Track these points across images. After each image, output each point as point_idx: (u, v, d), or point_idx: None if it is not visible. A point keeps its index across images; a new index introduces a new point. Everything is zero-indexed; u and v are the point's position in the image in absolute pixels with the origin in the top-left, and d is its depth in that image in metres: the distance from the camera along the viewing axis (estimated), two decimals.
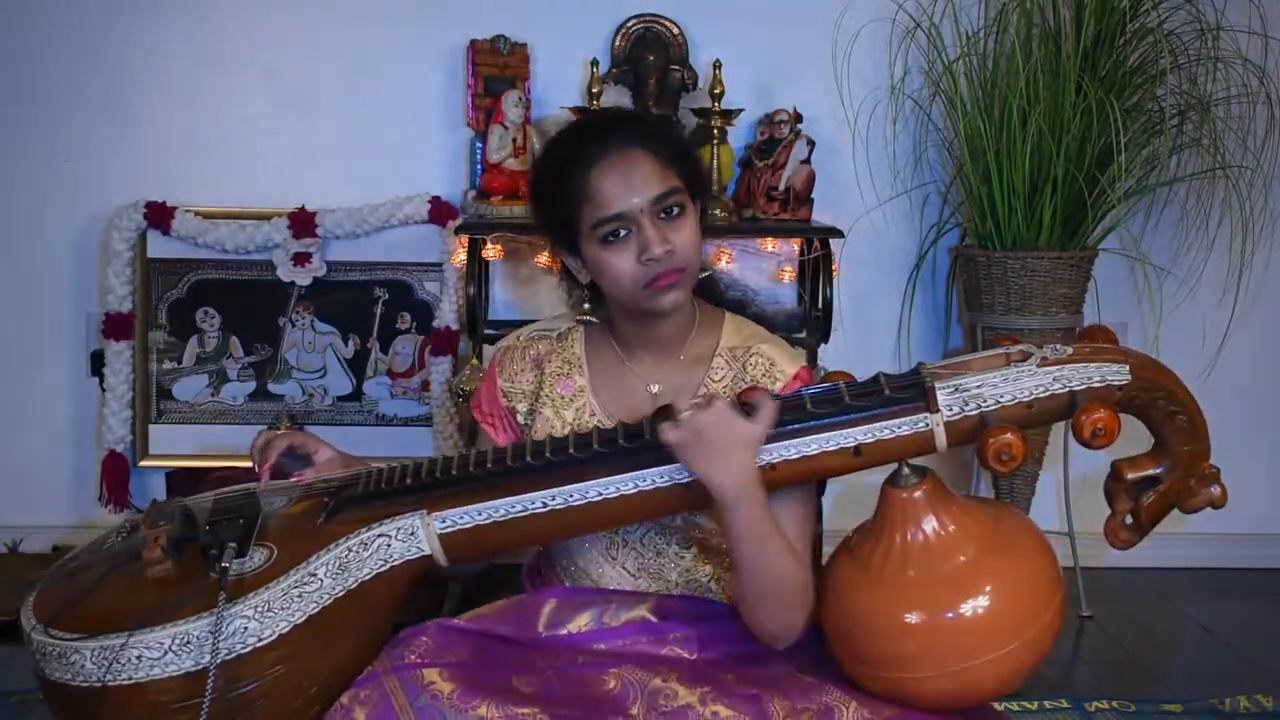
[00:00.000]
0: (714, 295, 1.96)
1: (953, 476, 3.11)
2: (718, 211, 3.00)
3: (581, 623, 1.76)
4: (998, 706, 1.76)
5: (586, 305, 1.90)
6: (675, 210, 1.75)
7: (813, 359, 3.06)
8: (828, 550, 1.88)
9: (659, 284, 1.75)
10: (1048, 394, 1.60)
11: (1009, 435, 1.56)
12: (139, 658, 1.55)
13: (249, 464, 1.91)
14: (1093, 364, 1.61)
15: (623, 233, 1.74)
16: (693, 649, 1.75)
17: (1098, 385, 1.60)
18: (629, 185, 1.73)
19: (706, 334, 1.88)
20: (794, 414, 1.64)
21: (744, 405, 1.64)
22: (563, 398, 1.88)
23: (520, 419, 1.92)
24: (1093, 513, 2.87)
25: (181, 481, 3.12)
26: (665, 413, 1.64)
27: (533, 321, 2.01)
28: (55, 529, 3.31)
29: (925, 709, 1.63)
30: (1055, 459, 3.18)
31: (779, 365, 1.83)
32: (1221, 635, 3.07)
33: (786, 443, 1.64)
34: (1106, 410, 1.56)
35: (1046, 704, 2.59)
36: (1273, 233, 3.36)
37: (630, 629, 1.75)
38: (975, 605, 1.61)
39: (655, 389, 1.85)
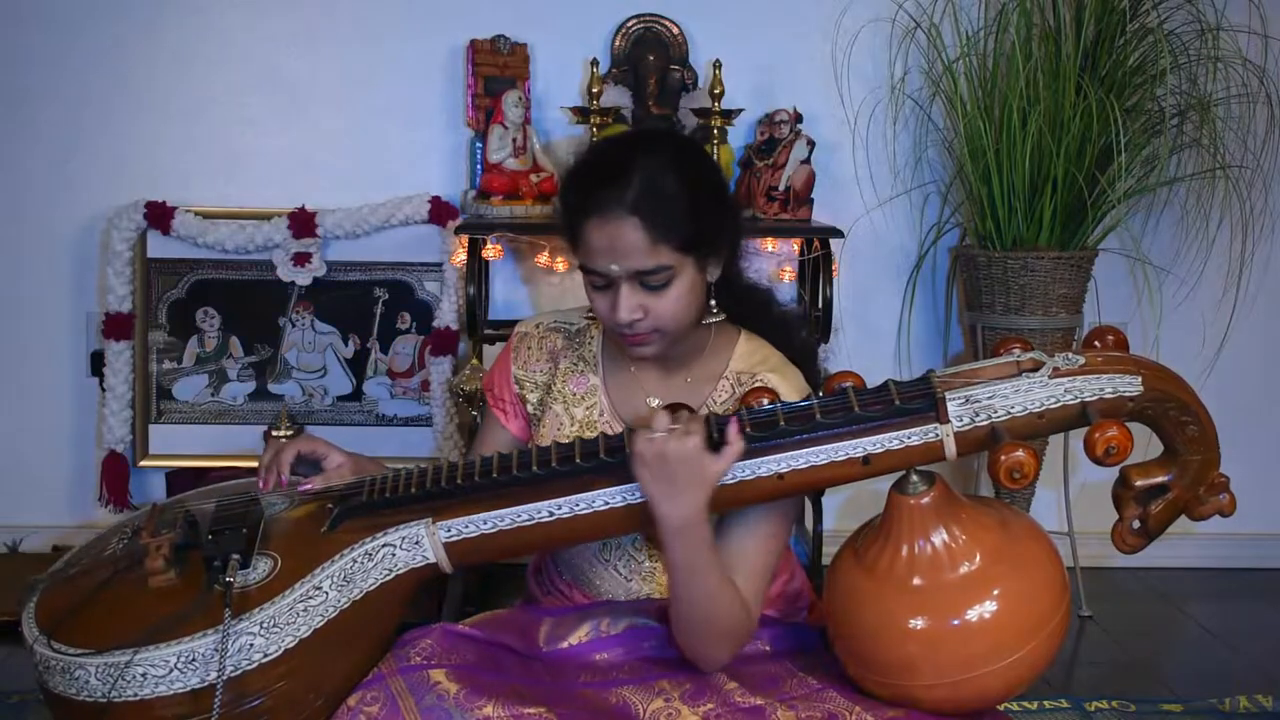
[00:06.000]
0: (748, 300, 1.92)
1: (953, 474, 3.11)
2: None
3: (582, 634, 1.75)
4: (998, 706, 1.76)
5: None
6: (658, 283, 1.71)
7: (813, 359, 3.06)
8: (829, 551, 1.88)
9: (627, 339, 1.75)
10: (1059, 405, 1.59)
11: (1021, 453, 1.53)
12: (144, 675, 1.54)
13: (250, 464, 1.90)
14: (1105, 375, 1.59)
15: (602, 284, 1.72)
16: None
17: (1110, 396, 1.59)
18: (612, 252, 1.69)
19: (718, 354, 1.86)
20: (803, 424, 1.62)
21: (718, 432, 1.60)
22: (574, 395, 1.87)
23: (530, 409, 1.91)
24: (1093, 512, 2.87)
25: (181, 481, 3.12)
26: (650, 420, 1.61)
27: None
28: (55, 529, 3.31)
29: (929, 713, 1.63)
30: (1055, 459, 3.18)
31: (782, 396, 1.76)
32: (1221, 635, 3.07)
33: (795, 452, 1.61)
34: (1119, 429, 1.54)
35: (1046, 704, 2.60)
36: (1273, 233, 3.37)
37: (632, 635, 1.75)
38: (981, 613, 1.60)
39: (654, 403, 1.82)
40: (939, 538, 1.63)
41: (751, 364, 1.85)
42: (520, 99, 3.10)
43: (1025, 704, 2.57)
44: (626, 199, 1.68)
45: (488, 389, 1.96)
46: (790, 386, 1.81)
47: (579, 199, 1.72)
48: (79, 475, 3.35)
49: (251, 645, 1.56)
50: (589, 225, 1.70)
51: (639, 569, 1.83)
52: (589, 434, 1.82)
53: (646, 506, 1.63)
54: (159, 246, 3.25)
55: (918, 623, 1.61)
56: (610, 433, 1.78)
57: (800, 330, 1.97)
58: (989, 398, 1.60)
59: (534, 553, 1.93)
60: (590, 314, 1.89)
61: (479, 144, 3.19)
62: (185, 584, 1.63)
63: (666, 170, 1.72)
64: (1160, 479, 1.64)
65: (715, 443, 1.60)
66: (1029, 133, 3.03)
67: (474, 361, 3.05)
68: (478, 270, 3.08)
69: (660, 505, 1.60)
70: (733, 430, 1.60)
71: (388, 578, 1.65)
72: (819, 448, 1.62)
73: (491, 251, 3.07)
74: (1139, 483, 1.64)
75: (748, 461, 1.62)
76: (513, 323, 3.20)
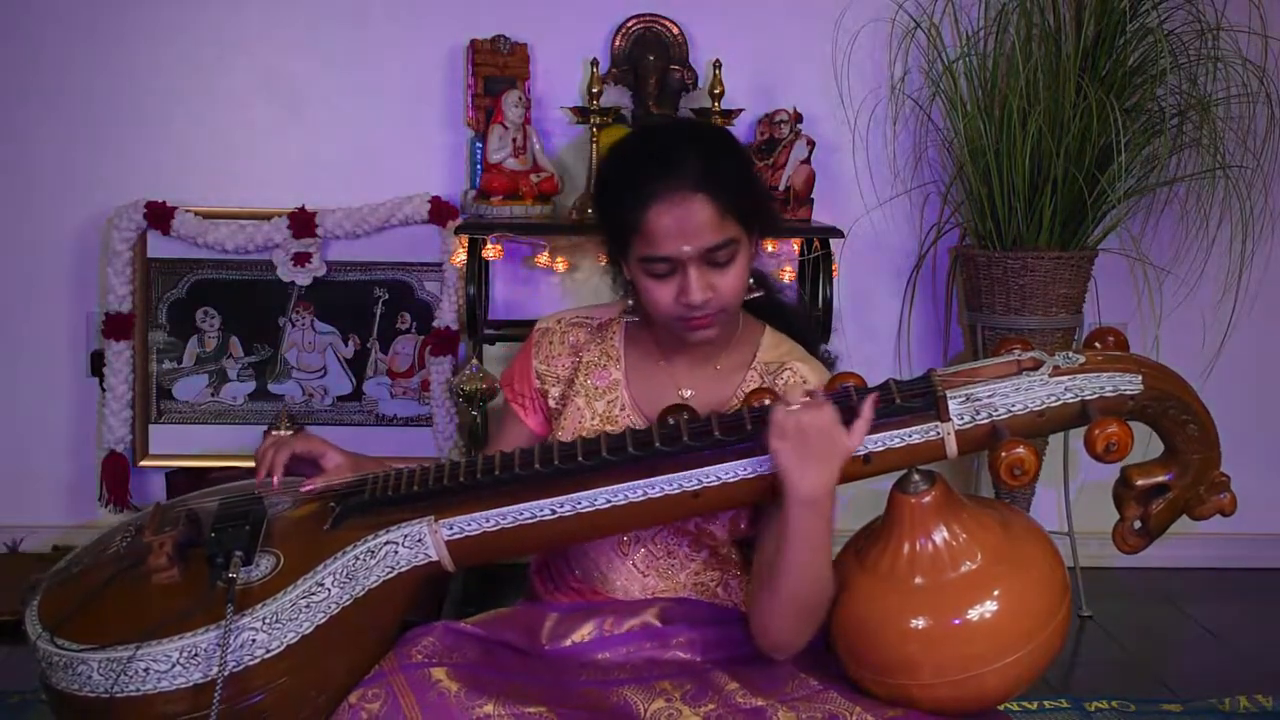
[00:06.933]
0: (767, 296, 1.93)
1: (953, 473, 3.11)
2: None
3: (585, 632, 1.76)
4: (998, 706, 1.76)
5: (630, 303, 1.86)
6: (725, 259, 1.72)
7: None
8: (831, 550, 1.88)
9: (691, 324, 1.75)
10: (1059, 403, 1.59)
11: (1021, 449, 1.54)
12: (147, 670, 1.54)
13: (250, 464, 1.89)
14: (1105, 374, 1.59)
15: (667, 270, 1.72)
16: (696, 652, 1.75)
17: (1110, 395, 1.59)
18: (683, 232, 1.69)
19: (745, 345, 1.87)
20: None
21: (845, 407, 1.60)
22: (596, 389, 1.87)
23: (551, 403, 1.91)
24: (1093, 512, 2.87)
25: (181, 481, 3.12)
26: (763, 402, 1.62)
27: (535, 318, 1.99)
28: (55, 529, 3.31)
29: (929, 713, 1.63)
30: (1056, 459, 3.18)
31: (812, 385, 1.79)
32: (1221, 635, 3.07)
33: None
34: (1119, 426, 1.54)
35: (1046, 704, 2.60)
36: (1273, 233, 3.37)
37: (635, 635, 1.75)
38: (982, 612, 1.60)
39: (687, 394, 1.84)
40: (940, 536, 1.64)
41: (779, 354, 1.87)
42: (520, 99, 3.10)
43: (1025, 704, 2.58)
44: (689, 178, 1.69)
45: (506, 385, 1.97)
46: (819, 377, 1.84)
47: (635, 190, 1.71)
48: (79, 475, 3.35)
49: (254, 641, 1.56)
50: (652, 212, 1.69)
51: (656, 565, 1.83)
52: (610, 427, 1.83)
53: (649, 505, 1.64)
54: (159, 246, 3.25)
55: (918, 622, 1.62)
56: (633, 426, 1.79)
57: (807, 323, 1.99)
58: (989, 396, 1.60)
59: (536, 551, 1.93)
60: (628, 311, 1.88)
61: (479, 144, 3.19)
62: (188, 581, 1.63)
63: (716, 148, 1.76)
64: (1160, 478, 1.64)
65: (845, 419, 1.60)
66: (1029, 133, 3.03)
67: (474, 361, 3.05)
68: (478, 270, 3.08)
69: (792, 475, 1.59)
70: (867, 405, 1.60)
71: (390, 575, 1.66)
72: None
73: (491, 251, 3.07)
74: (1140, 482, 1.64)
75: (752, 459, 1.63)
76: (513, 323, 3.25)
